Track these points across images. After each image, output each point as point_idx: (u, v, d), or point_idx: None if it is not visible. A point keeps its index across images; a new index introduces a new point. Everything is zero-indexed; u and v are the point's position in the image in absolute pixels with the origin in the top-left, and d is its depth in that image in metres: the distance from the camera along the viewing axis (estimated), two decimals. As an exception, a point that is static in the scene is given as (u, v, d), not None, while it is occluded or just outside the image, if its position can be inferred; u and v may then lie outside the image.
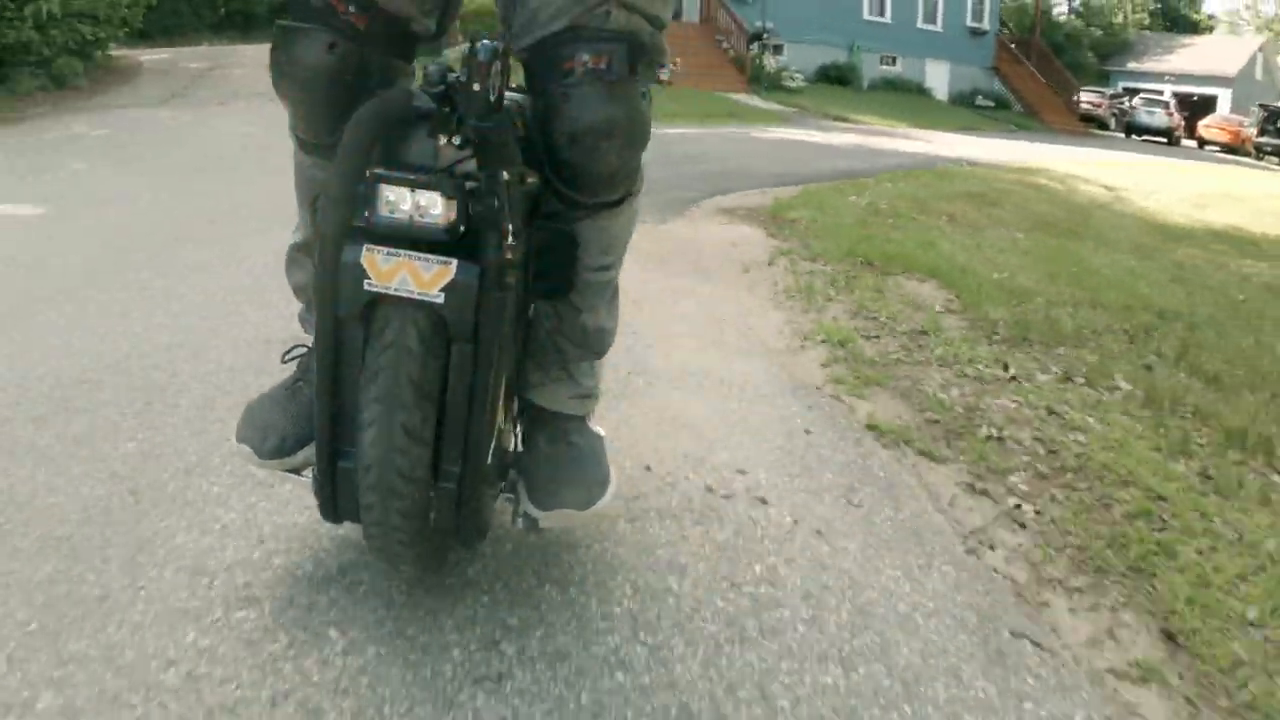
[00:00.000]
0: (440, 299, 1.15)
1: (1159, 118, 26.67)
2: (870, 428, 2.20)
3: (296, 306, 1.57)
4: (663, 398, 2.26)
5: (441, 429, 1.21)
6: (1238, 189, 11.15)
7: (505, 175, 1.16)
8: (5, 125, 6.73)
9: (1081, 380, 2.71)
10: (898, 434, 2.17)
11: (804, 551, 1.62)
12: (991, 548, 1.73)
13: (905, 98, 22.15)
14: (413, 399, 1.16)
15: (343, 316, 1.19)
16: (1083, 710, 1.31)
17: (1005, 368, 2.74)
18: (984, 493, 1.94)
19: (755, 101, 15.21)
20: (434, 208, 1.14)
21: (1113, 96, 30.13)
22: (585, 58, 1.22)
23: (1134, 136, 26.15)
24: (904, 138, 13.41)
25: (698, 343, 2.74)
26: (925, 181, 7.40)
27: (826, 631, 1.40)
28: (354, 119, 1.16)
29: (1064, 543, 1.76)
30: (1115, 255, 5.14)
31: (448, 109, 1.14)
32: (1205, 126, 28.14)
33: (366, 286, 1.16)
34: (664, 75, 14.56)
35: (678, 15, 20.74)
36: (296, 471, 1.42)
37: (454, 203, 1.14)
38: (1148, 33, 41.82)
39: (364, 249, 1.16)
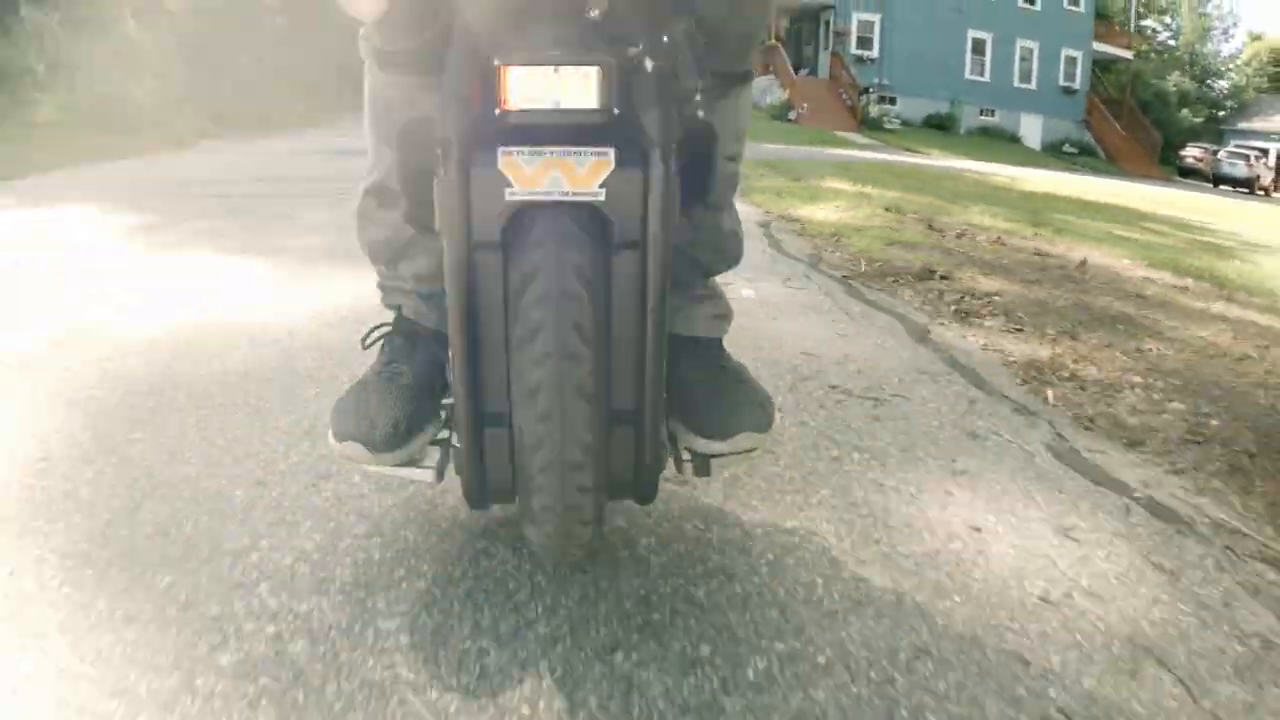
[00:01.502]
0: (601, 195, 0.96)
1: (1240, 168, 30.12)
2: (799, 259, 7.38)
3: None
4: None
5: (611, 358, 1.02)
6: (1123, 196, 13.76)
7: (680, 24, 1.00)
8: None
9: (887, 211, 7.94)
10: (811, 257, 7.48)
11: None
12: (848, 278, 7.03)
13: (997, 143, 26.78)
14: (581, 343, 0.94)
15: (478, 243, 0.97)
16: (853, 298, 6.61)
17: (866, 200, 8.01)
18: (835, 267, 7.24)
19: (855, 137, 20.45)
20: (583, 88, 0.95)
21: (1214, 152, 33.61)
22: None
23: (1221, 186, 29.69)
24: (940, 159, 17.44)
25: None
26: (888, 168, 12.22)
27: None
28: None
29: (871, 270, 7.05)
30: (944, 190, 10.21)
31: None
32: (1291, 178, 31.46)
33: (509, 196, 0.95)
34: (793, 116, 20.39)
35: (814, 72, 26.37)
36: (415, 464, 1.21)
37: (606, 78, 0.95)
38: (1263, 95, 44.41)
39: (499, 152, 0.95)
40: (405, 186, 1.06)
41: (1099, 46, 30.42)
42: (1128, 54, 31.77)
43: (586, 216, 0.97)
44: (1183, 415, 1.98)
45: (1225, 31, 51.61)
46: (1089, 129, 30.26)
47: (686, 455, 1.25)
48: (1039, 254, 4.61)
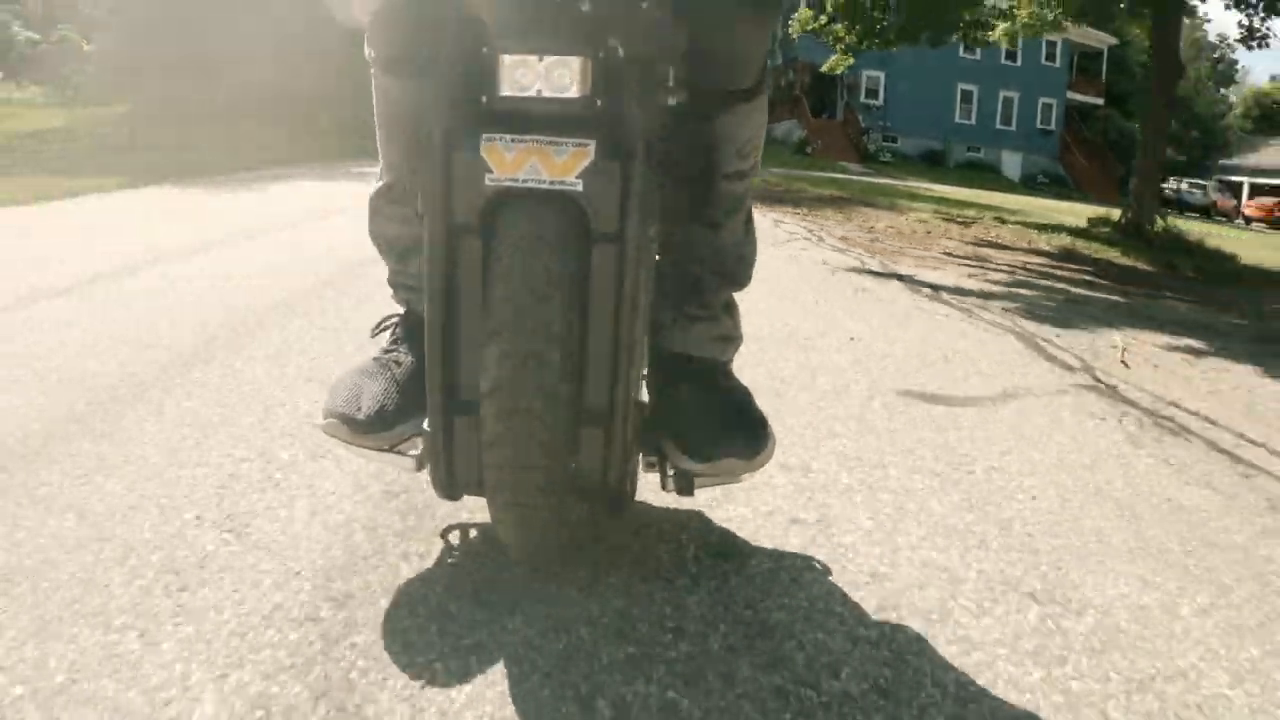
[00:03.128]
0: (578, 186, 0.97)
1: (1196, 197, 36.03)
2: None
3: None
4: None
5: (583, 358, 1.03)
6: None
7: (660, 13, 1.01)
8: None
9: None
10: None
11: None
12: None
13: (981, 174, 32.93)
14: (548, 343, 0.96)
15: (458, 225, 1.00)
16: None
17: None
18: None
19: (854, 166, 26.92)
20: (567, 77, 0.98)
21: (1190, 184, 39.53)
22: None
23: (1185, 211, 35.59)
24: (903, 180, 23.51)
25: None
26: (851, 181, 18.57)
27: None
28: None
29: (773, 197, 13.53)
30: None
31: None
32: (1246, 205, 37.36)
33: (488, 181, 0.98)
34: (809, 150, 27.59)
35: (832, 116, 33.14)
36: (394, 451, 1.24)
37: (590, 68, 0.99)
38: (1243, 133, 50.03)
39: (482, 138, 0.98)
40: (414, 183, 1.10)
41: (1074, 95, 36.65)
42: (1099, 100, 37.90)
43: (564, 208, 0.97)
44: (868, 237, 8.50)
45: (1228, 82, 57.40)
46: (1061, 163, 36.40)
47: (671, 472, 1.23)
48: (867, 205, 11.11)
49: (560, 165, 0.98)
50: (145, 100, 14.37)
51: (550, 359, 0.97)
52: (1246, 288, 7.95)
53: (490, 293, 0.98)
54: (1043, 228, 10.75)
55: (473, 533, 1.39)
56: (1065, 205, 21.76)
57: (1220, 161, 48.13)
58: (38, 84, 19.13)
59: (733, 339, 1.39)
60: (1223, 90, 55.48)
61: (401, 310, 1.42)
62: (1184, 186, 37.67)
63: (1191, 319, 5.17)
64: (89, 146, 11.40)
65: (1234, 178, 43.71)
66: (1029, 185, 33.75)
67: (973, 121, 34.73)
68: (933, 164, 32.54)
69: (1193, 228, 13.39)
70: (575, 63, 0.98)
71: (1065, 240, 9.64)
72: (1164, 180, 40.45)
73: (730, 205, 1.30)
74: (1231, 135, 50.73)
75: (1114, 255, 8.92)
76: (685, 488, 1.24)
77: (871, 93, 33.02)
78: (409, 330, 1.36)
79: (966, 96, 34.53)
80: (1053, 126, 36.47)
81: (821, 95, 34.43)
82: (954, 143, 33.80)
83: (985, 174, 33.36)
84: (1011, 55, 30.60)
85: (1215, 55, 53.44)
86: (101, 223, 5.32)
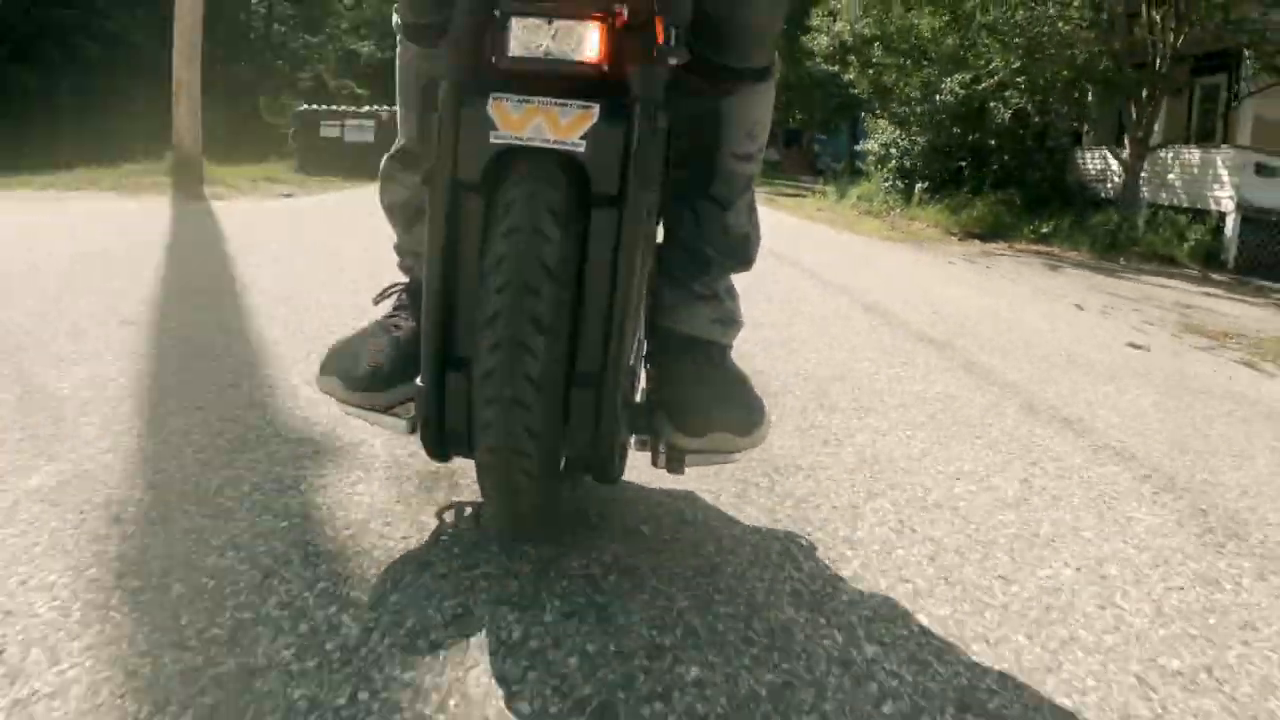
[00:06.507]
0: (581, 147, 1.00)
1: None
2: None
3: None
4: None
5: (578, 317, 1.05)
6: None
7: None
8: None
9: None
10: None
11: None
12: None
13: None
14: (544, 279, 0.97)
15: (462, 181, 1.03)
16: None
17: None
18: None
19: (806, 179, 31.89)
20: (576, 39, 1.01)
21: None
22: None
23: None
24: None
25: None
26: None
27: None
28: None
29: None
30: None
31: None
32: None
33: (493, 139, 1.01)
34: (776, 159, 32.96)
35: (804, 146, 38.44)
36: (387, 413, 1.26)
37: (597, 32, 1.01)
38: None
39: (490, 97, 1.02)
40: (424, 149, 1.12)
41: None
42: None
43: (566, 165, 1.00)
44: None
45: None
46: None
47: (663, 448, 1.24)
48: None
49: (565, 126, 1.00)
50: None
51: (545, 293, 0.97)
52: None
53: (491, 233, 1.00)
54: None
55: (468, 510, 1.39)
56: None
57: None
58: None
59: (735, 322, 1.39)
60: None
61: (405, 279, 1.44)
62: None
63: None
64: None
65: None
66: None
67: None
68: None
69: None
70: (583, 27, 1.01)
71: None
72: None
73: (738, 188, 1.33)
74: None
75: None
76: (676, 464, 1.25)
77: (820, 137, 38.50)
78: (412, 296, 1.39)
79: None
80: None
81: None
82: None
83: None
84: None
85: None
86: None
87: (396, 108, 1.38)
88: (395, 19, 1.30)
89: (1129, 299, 6.13)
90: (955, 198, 12.46)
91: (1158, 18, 10.59)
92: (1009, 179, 12.74)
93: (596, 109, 1.01)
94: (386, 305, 1.43)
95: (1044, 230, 10.97)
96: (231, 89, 19.60)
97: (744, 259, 1.38)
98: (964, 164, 13.29)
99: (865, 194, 14.66)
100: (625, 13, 1.03)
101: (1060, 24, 10.87)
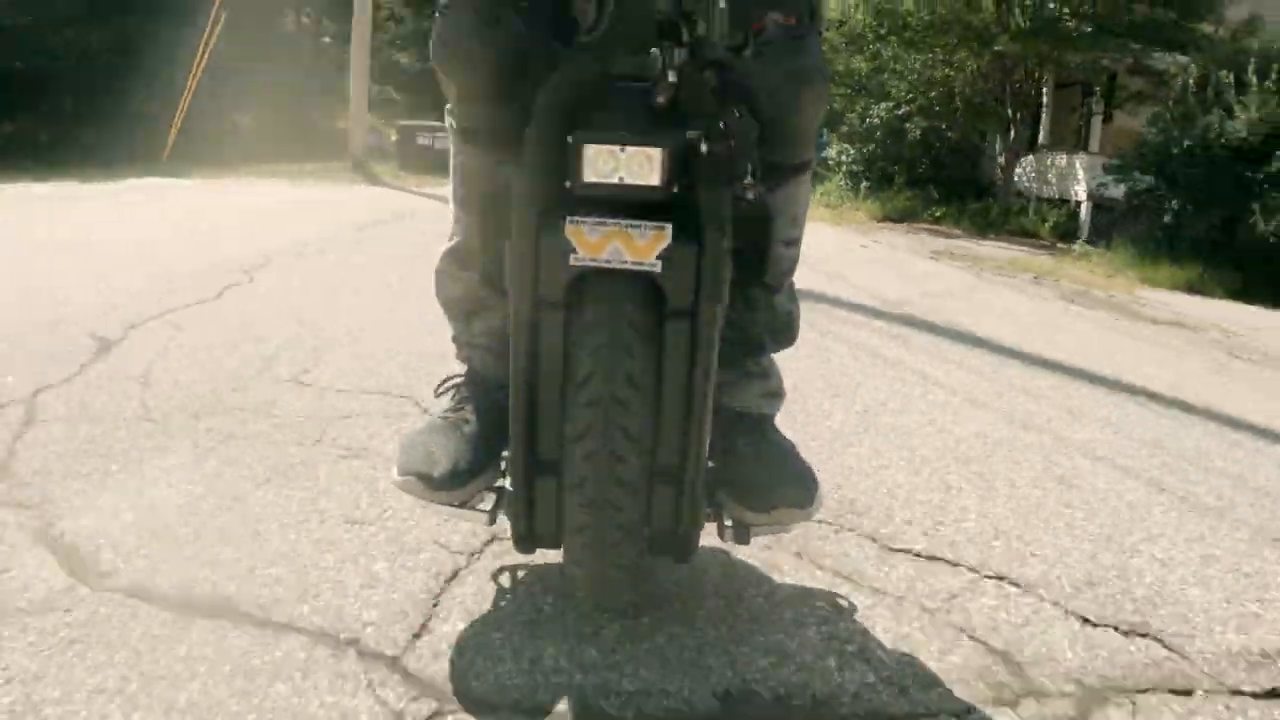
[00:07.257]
0: (657, 267, 1.08)
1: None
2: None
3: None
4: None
5: (658, 419, 1.14)
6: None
7: (738, 113, 1.10)
8: None
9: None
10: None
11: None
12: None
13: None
14: (630, 392, 1.08)
15: (543, 301, 1.11)
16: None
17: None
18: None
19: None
20: (646, 166, 1.08)
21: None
22: (776, 16, 1.26)
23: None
24: None
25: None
26: None
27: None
28: (550, 82, 1.11)
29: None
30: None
31: (674, 38, 1.07)
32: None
33: (573, 261, 1.08)
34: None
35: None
36: (468, 506, 1.35)
37: (667, 158, 1.08)
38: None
39: (567, 221, 1.09)
40: (484, 250, 1.20)
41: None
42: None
43: (643, 284, 1.08)
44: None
45: None
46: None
47: (728, 522, 1.33)
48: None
49: (640, 247, 1.06)
50: None
51: (633, 404, 1.06)
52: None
53: (577, 351, 1.09)
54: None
55: (521, 573, 1.48)
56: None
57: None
58: None
59: (779, 394, 1.49)
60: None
61: (463, 370, 1.49)
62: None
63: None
64: None
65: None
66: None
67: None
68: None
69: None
70: (655, 153, 1.06)
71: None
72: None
73: (785, 272, 1.41)
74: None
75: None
76: (742, 537, 1.33)
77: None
78: (473, 389, 1.44)
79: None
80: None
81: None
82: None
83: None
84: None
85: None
86: None
87: (450, 204, 1.42)
88: (449, 121, 1.35)
89: (953, 250, 10.09)
90: (884, 193, 17.02)
91: (1035, 68, 15.16)
92: (926, 179, 17.30)
93: (669, 230, 1.08)
94: (446, 397, 1.49)
95: (938, 214, 15.52)
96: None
97: (790, 337, 1.49)
98: (895, 169, 17.87)
99: (825, 191, 19.14)
100: (692, 137, 1.09)
101: (947, 70, 15.47)
